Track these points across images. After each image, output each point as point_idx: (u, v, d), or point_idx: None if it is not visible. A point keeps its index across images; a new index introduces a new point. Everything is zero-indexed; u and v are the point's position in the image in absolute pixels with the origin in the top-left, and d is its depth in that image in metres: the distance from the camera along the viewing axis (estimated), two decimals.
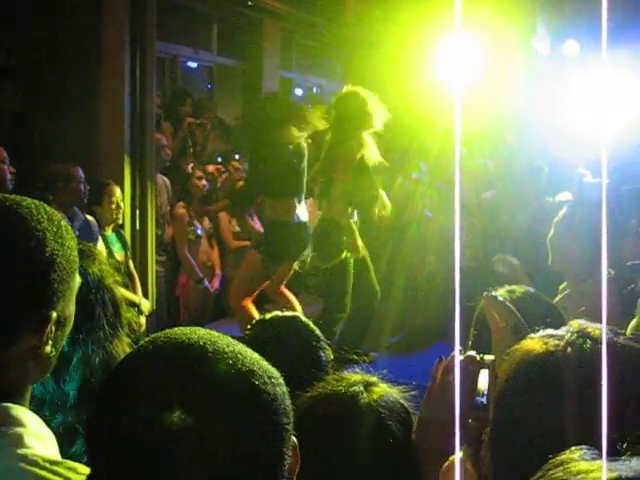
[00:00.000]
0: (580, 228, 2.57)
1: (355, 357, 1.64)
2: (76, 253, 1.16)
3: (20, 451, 1.03)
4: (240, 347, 0.85)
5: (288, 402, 0.86)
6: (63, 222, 1.15)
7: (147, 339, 0.86)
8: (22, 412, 1.08)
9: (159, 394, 0.79)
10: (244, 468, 0.79)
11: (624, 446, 0.88)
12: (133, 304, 4.53)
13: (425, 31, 4.94)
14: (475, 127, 4.30)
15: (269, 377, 0.84)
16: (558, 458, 0.76)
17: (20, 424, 1.06)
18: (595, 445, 0.76)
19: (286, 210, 4.70)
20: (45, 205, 1.15)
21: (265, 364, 0.86)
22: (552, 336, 1.23)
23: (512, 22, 6.38)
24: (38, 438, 1.07)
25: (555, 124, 5.58)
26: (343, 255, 4.81)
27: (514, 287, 2.01)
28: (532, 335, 1.28)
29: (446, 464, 1.32)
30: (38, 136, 4.86)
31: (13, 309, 1.07)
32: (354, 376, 1.43)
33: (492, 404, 1.41)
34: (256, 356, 0.86)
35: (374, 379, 1.44)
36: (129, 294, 4.52)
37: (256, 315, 4.10)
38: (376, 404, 1.35)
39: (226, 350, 0.83)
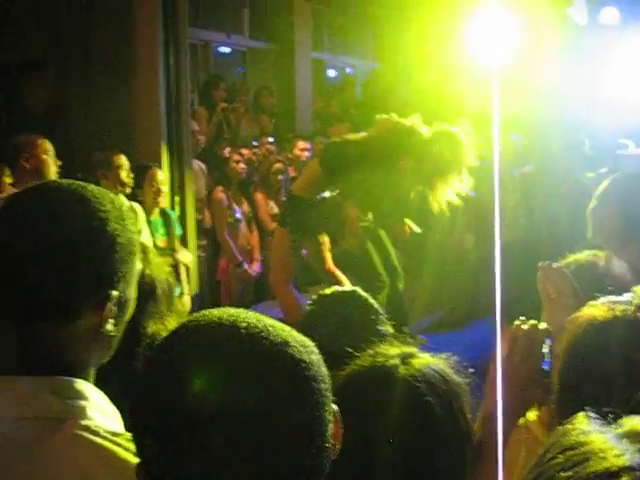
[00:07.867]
0: (621, 200, 2.54)
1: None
2: (138, 237, 1.21)
3: (83, 422, 1.09)
4: (270, 321, 0.87)
5: (324, 369, 0.87)
6: (125, 207, 1.21)
7: (180, 324, 0.88)
8: (85, 386, 1.14)
9: (197, 376, 0.81)
10: (286, 437, 0.81)
11: None
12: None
13: (457, 5, 4.86)
14: (510, 103, 4.21)
15: (302, 346, 0.85)
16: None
17: (83, 397, 1.12)
18: None
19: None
20: (109, 191, 1.22)
21: (296, 334, 0.87)
22: (616, 302, 1.29)
23: None
24: (100, 411, 1.12)
25: (595, 96, 5.45)
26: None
27: (596, 251, 2.05)
28: (592, 302, 1.33)
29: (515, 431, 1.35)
30: (74, 126, 4.94)
31: (75, 286, 1.11)
32: (392, 349, 1.38)
33: (555, 370, 1.44)
34: (287, 328, 0.87)
35: (413, 350, 1.38)
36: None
37: (294, 298, 4.09)
38: (413, 378, 1.30)
39: (257, 325, 0.85)
